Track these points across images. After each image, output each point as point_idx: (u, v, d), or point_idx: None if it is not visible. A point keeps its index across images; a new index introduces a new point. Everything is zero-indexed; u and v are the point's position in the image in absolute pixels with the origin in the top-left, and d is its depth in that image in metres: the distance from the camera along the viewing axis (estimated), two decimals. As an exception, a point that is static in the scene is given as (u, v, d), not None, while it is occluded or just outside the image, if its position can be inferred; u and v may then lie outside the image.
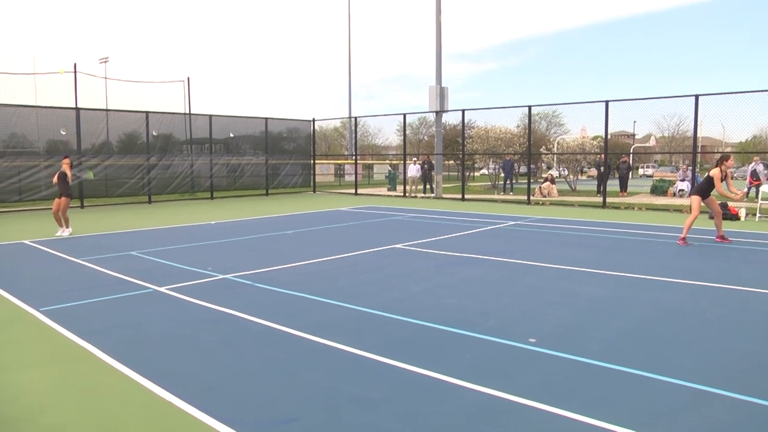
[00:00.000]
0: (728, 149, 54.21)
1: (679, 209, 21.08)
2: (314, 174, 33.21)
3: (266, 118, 29.91)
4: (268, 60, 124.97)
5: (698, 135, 21.28)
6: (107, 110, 24.95)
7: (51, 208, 14.91)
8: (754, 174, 25.27)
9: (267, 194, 29.25)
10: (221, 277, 9.15)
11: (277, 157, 30.54)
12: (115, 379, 5.11)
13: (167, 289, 8.33)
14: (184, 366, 5.39)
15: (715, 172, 13.05)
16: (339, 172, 44.42)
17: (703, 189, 13.31)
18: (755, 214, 18.63)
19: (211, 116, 27.47)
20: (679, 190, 28.20)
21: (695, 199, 13.36)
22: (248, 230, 15.04)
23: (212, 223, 16.79)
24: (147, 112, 24.86)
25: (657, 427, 4.17)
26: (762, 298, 7.99)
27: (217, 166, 27.77)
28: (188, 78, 30.33)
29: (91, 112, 23.78)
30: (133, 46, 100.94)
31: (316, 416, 4.34)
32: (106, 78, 32.04)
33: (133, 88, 30.44)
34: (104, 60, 53.61)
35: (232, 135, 29.36)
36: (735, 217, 18.07)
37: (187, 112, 28.76)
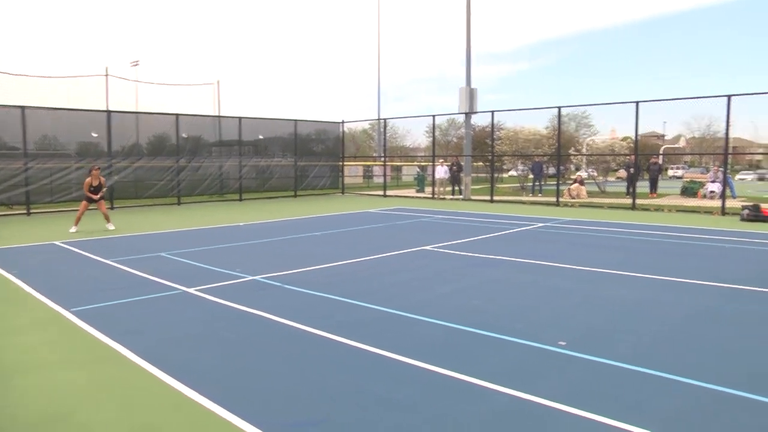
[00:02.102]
0: (759, 150, 53.56)
1: (709, 211, 20.81)
2: (343, 175, 33.31)
3: (295, 120, 30.04)
4: (298, 62, 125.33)
5: (730, 135, 20.96)
6: (137, 113, 25.25)
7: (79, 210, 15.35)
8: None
9: (296, 196, 29.35)
10: (250, 278, 9.18)
11: (305, 159, 30.64)
12: (145, 379, 5.14)
13: (196, 290, 8.37)
14: (213, 367, 5.40)
15: None
16: (368, 174, 44.47)
17: None
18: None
19: (240, 118, 27.62)
20: (710, 192, 27.78)
21: None
22: (277, 232, 15.09)
23: (241, 224, 16.87)
24: (177, 115, 25.04)
25: (679, 429, 4.14)
26: None
27: (246, 168, 27.92)
28: (218, 81, 30.56)
29: (122, 115, 24.12)
30: (164, 50, 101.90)
31: (344, 418, 4.34)
32: (137, 81, 32.43)
33: (164, 91, 30.77)
34: (135, 63, 54.10)
35: (261, 137, 29.50)
36: (767, 218, 17.79)
37: (217, 114, 28.99)
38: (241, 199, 26.93)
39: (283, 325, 6.69)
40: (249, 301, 7.71)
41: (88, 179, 15.38)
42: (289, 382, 5.02)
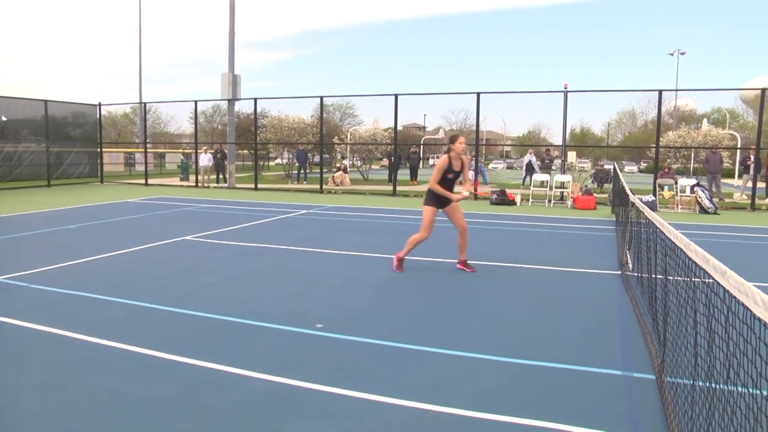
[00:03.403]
0: (508, 142, 58.40)
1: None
2: (102, 163, 31.48)
3: (45, 101, 27.67)
4: (48, 36, 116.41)
5: (482, 129, 22.77)
6: None
7: None
8: (529, 165, 27.55)
9: (49, 185, 27.19)
10: (-8, 278, 8.50)
11: (60, 145, 28.51)
12: None
13: (-73, 293, 7.56)
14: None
15: (440, 162, 8.84)
16: (129, 161, 42.48)
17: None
18: (529, 200, 20.37)
19: (-24, 96, 25.04)
20: (464, 179, 30.00)
21: (428, 211, 9.08)
22: (26, 226, 14.00)
23: (-17, 217, 15.50)
24: None
25: (437, 395, 4.52)
26: (533, 272, 9.00)
27: (-12, 154, 25.48)
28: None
29: None
30: None
31: (99, 424, 4.17)
32: None
33: None
34: None
35: (4, 118, 27.06)
36: (512, 202, 19.68)
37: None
38: (-17, 190, 24.57)
39: (29, 330, 6.22)
40: (-10, 303, 7.13)
41: None
42: (37, 394, 4.69)
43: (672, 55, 55.66)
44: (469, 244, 10.26)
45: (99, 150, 31.25)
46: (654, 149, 21.49)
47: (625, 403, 4.50)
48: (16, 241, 11.85)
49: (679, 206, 19.34)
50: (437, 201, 8.90)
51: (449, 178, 8.75)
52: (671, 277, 4.51)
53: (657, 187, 20.81)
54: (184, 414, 4.30)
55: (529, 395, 4.61)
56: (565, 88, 21.17)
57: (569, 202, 19.99)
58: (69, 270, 9.09)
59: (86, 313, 6.84)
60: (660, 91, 20.56)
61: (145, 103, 32.54)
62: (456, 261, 9.41)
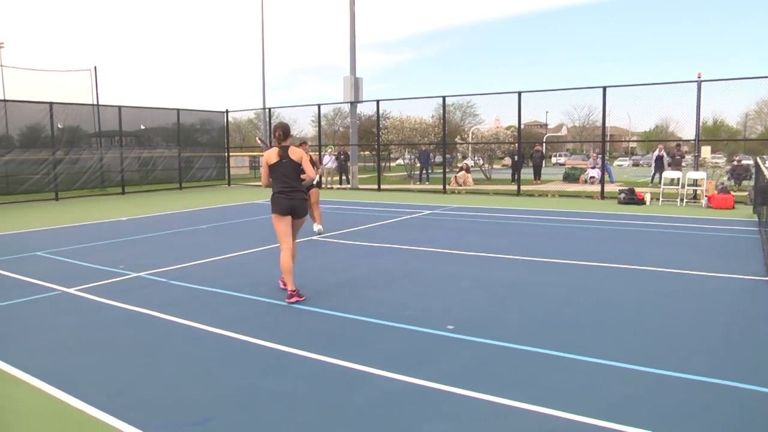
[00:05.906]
0: (633, 138, 56.33)
1: (590, 195, 21.78)
2: (229, 166, 32.64)
3: (178, 110, 29.07)
4: (180, 49, 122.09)
5: (607, 124, 22.00)
6: (5, 101, 23.70)
7: None
8: (659, 161, 26.39)
9: (181, 188, 28.55)
10: (134, 275, 8.87)
11: (190, 150, 29.80)
12: (20, 389, 4.82)
13: (77, 290, 7.99)
14: (96, 371, 5.17)
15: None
16: (254, 164, 43.76)
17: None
18: (659, 199, 19.48)
19: (120, 107, 26.38)
20: (590, 177, 29.09)
21: (275, 220, 7.67)
22: (162, 226, 14.65)
23: (124, 219, 16.28)
24: (51, 103, 23.56)
25: (571, 403, 4.30)
26: (667, 277, 8.48)
27: (128, 160, 26.82)
28: (95, 67, 29.11)
29: (-13, 103, 22.55)
30: (32, 32, 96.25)
31: (232, 414, 4.26)
32: (2, 66, 30.60)
33: (35, 76, 28.60)
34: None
35: (143, 127, 28.48)
36: (641, 201, 18.89)
37: (95, 102, 27.69)
38: (123, 193, 25.90)
39: (169, 322, 6.51)
40: (134, 299, 7.45)
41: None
42: (176, 381, 4.89)
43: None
44: (599, 244, 9.84)
45: (226, 154, 32.36)
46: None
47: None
48: (152, 240, 12.38)
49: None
50: (284, 207, 7.44)
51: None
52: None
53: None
54: (314, 409, 4.32)
55: (668, 408, 4.30)
56: (699, 77, 20.03)
57: (704, 201, 18.91)
58: (202, 268, 9.38)
59: (221, 308, 7.04)
60: (815, 75, 18.90)
61: (269, 109, 33.35)
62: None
